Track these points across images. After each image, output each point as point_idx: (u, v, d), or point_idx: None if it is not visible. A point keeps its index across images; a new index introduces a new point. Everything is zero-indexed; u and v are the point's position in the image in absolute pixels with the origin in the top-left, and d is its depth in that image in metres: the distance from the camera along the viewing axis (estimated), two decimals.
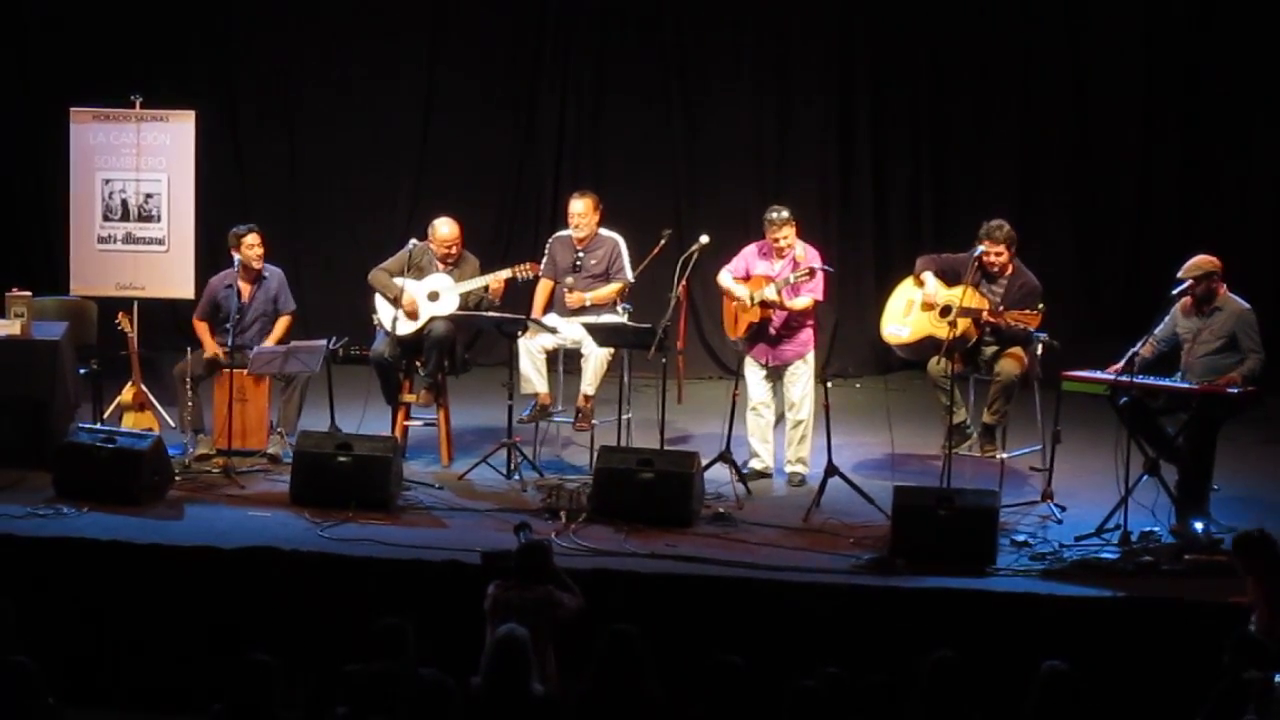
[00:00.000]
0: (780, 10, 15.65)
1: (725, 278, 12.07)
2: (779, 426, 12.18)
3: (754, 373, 12.08)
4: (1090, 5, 15.29)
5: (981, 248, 11.58)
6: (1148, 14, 15.19)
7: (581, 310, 12.25)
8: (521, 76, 15.96)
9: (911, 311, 11.86)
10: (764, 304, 11.84)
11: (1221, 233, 14.09)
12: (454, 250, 12.28)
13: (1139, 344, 10.80)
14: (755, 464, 12.04)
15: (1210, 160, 15.19)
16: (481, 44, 15.96)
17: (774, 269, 11.95)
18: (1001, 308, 11.46)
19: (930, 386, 11.94)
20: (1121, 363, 10.66)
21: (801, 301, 11.90)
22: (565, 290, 12.32)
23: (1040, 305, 11.37)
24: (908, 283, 11.96)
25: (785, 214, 11.95)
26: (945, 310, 11.59)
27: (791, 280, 11.79)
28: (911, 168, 15.75)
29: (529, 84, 15.96)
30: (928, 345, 11.75)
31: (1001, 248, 11.60)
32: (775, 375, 12.08)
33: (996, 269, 11.62)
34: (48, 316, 12.68)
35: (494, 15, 15.93)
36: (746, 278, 12.00)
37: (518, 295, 12.82)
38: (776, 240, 11.92)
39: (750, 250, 12.11)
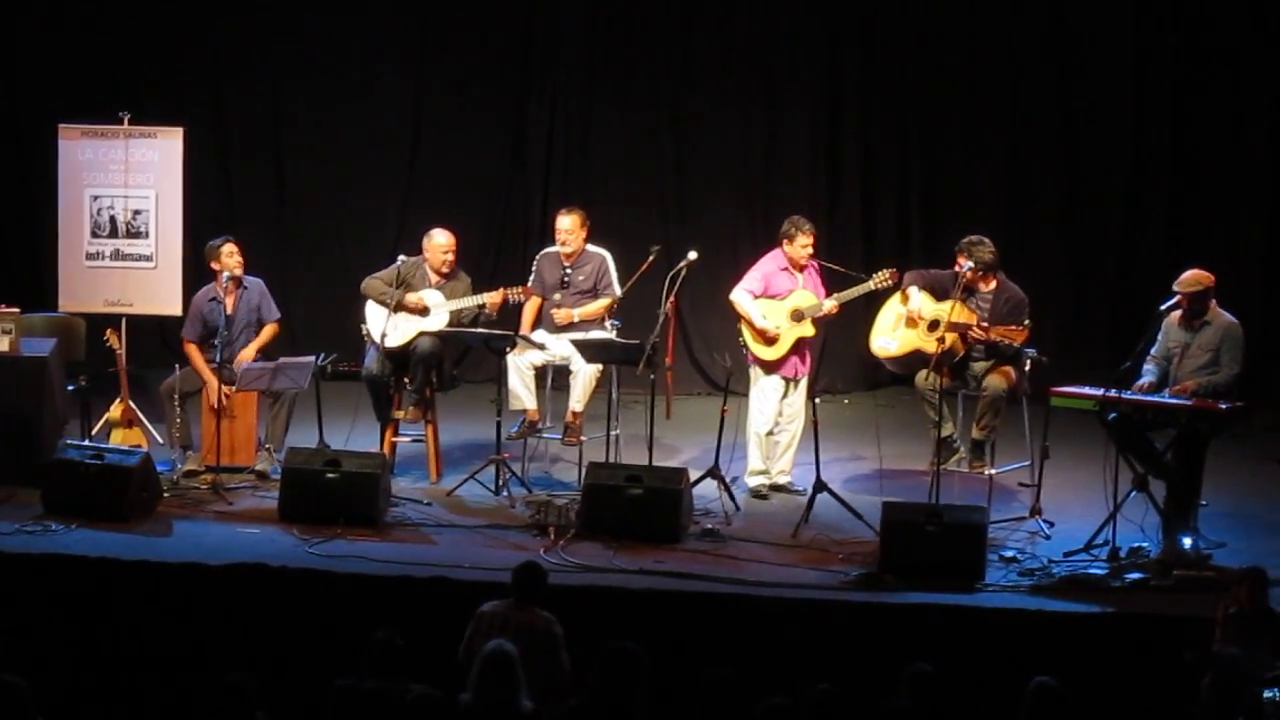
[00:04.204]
0: (769, 27, 15.67)
1: (745, 300, 11.99)
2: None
3: (775, 390, 12.02)
4: (1079, 21, 15.31)
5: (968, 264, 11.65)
6: (1136, 29, 15.22)
7: (570, 327, 12.24)
8: (510, 94, 15.98)
9: (900, 325, 11.90)
10: (825, 317, 11.97)
11: (1210, 247, 14.11)
12: (452, 257, 12.28)
13: (1143, 362, 10.82)
14: (780, 479, 12.10)
15: (1199, 175, 15.21)
16: (469, 62, 15.97)
17: (798, 281, 11.98)
18: (986, 322, 11.49)
19: (918, 400, 11.97)
20: (1144, 381, 10.72)
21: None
22: (554, 308, 12.31)
23: (1026, 321, 11.40)
24: (897, 297, 11.99)
25: (811, 225, 12.02)
26: (934, 324, 11.62)
27: (876, 286, 11.93)
28: (900, 185, 15.79)
29: (517, 101, 15.98)
30: (915, 359, 11.80)
31: (961, 259, 11.71)
32: (789, 388, 12.10)
33: (968, 281, 11.65)
34: (36, 333, 12.66)
35: (482, 33, 15.94)
36: (765, 294, 11.99)
37: (507, 312, 12.83)
38: (807, 248, 11.94)
39: (769, 266, 12.08)
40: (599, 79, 15.93)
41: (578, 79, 15.93)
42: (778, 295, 11.95)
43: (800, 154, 15.76)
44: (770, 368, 11.97)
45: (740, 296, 11.99)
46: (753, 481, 12.02)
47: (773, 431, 12.05)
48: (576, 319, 12.26)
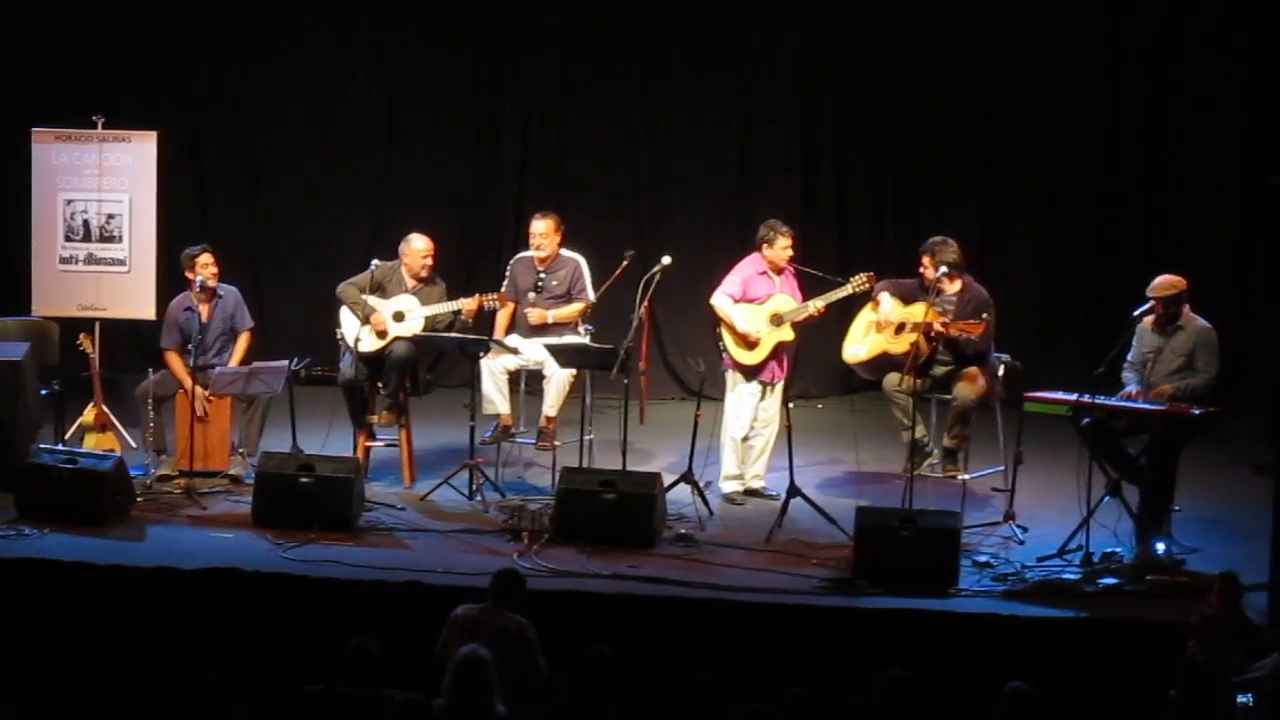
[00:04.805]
0: (744, 32, 15.69)
1: (726, 304, 11.96)
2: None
3: (751, 396, 12.01)
4: (1053, 29, 15.36)
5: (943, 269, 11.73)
6: (1110, 36, 15.27)
7: (544, 330, 12.22)
8: (484, 99, 15.98)
9: (870, 331, 11.96)
10: (810, 319, 11.96)
11: (1183, 253, 14.14)
12: (431, 262, 12.25)
13: (1118, 369, 10.83)
14: (754, 483, 12.09)
15: (1172, 180, 15.25)
16: (444, 67, 15.97)
17: (776, 285, 11.98)
18: (947, 321, 11.57)
19: (886, 404, 12.03)
20: (1129, 390, 10.72)
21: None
22: (527, 308, 12.30)
23: (985, 315, 11.47)
24: (869, 306, 12.06)
25: (788, 228, 12.04)
26: (900, 327, 11.72)
27: (854, 290, 11.94)
28: (874, 190, 15.82)
29: (491, 106, 15.98)
30: (884, 362, 11.90)
31: (926, 260, 11.86)
32: (765, 393, 12.09)
33: (930, 281, 11.73)
34: (9, 337, 12.64)
35: (456, 39, 15.93)
36: (743, 298, 11.99)
37: (481, 317, 12.82)
38: (787, 249, 11.95)
39: (748, 270, 12.05)
40: (573, 84, 15.93)
41: (552, 84, 15.93)
42: (756, 300, 11.95)
43: (774, 158, 15.78)
44: (748, 373, 11.97)
45: (720, 301, 11.98)
46: (727, 486, 12.02)
47: (748, 436, 12.05)
48: (550, 319, 12.24)
